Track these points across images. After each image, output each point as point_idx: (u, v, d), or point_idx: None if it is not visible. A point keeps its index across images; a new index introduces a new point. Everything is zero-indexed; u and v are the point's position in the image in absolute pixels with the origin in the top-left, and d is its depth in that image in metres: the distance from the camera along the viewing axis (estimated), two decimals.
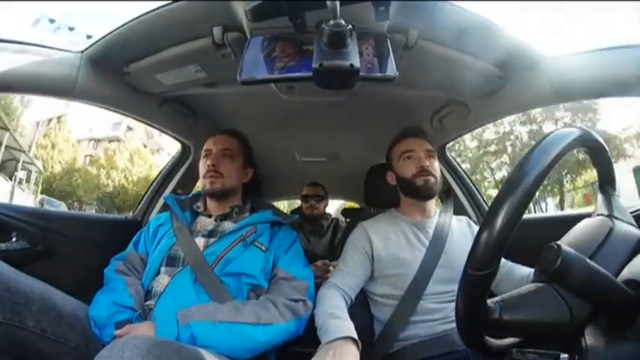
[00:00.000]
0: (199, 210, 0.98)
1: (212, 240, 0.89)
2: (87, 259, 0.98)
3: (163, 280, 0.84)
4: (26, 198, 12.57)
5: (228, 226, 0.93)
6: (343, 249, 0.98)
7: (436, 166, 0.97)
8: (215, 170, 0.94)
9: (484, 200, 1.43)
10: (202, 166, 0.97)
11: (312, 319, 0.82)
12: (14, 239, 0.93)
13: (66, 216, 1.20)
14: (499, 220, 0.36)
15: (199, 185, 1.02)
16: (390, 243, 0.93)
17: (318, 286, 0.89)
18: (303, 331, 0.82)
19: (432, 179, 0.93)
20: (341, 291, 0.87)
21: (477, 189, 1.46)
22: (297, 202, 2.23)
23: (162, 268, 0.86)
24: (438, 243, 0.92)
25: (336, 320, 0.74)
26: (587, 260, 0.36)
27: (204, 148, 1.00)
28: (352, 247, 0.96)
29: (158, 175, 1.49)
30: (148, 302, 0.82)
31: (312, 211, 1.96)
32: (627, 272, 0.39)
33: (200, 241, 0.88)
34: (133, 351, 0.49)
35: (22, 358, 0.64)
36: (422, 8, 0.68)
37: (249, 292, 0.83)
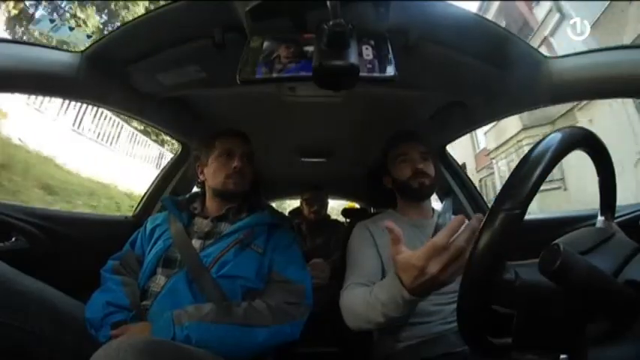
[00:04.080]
0: (196, 212, 0.98)
1: (208, 242, 0.88)
2: (86, 259, 0.98)
3: (160, 280, 0.84)
4: None
5: (224, 227, 0.92)
6: (347, 251, 0.97)
7: (431, 167, 0.98)
8: (242, 172, 0.94)
9: (484, 201, 1.43)
10: (222, 165, 0.95)
11: (309, 320, 0.81)
12: (14, 239, 0.93)
13: (66, 216, 1.20)
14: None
15: (211, 184, 0.99)
16: (390, 241, 0.93)
17: (314, 287, 0.89)
18: (301, 333, 0.82)
19: (427, 181, 0.96)
20: (360, 285, 0.82)
21: (476, 189, 1.46)
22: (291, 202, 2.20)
23: (159, 269, 0.86)
24: None
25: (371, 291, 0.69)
26: (587, 260, 0.36)
27: (221, 147, 0.97)
28: (358, 243, 0.95)
29: (157, 175, 1.48)
30: (144, 302, 0.82)
31: (314, 216, 1.96)
32: (627, 272, 0.38)
33: (196, 243, 0.88)
34: (129, 351, 0.49)
35: (20, 358, 0.64)
36: (422, 8, 0.67)
37: (244, 294, 0.83)
